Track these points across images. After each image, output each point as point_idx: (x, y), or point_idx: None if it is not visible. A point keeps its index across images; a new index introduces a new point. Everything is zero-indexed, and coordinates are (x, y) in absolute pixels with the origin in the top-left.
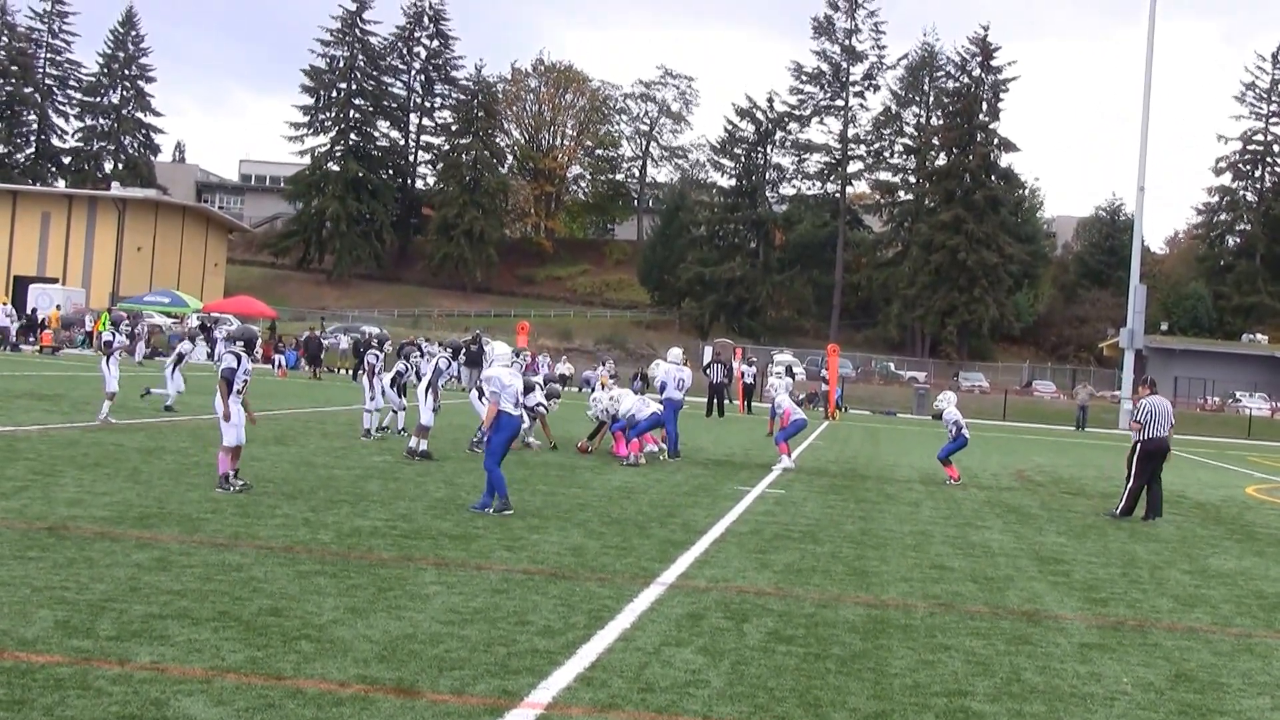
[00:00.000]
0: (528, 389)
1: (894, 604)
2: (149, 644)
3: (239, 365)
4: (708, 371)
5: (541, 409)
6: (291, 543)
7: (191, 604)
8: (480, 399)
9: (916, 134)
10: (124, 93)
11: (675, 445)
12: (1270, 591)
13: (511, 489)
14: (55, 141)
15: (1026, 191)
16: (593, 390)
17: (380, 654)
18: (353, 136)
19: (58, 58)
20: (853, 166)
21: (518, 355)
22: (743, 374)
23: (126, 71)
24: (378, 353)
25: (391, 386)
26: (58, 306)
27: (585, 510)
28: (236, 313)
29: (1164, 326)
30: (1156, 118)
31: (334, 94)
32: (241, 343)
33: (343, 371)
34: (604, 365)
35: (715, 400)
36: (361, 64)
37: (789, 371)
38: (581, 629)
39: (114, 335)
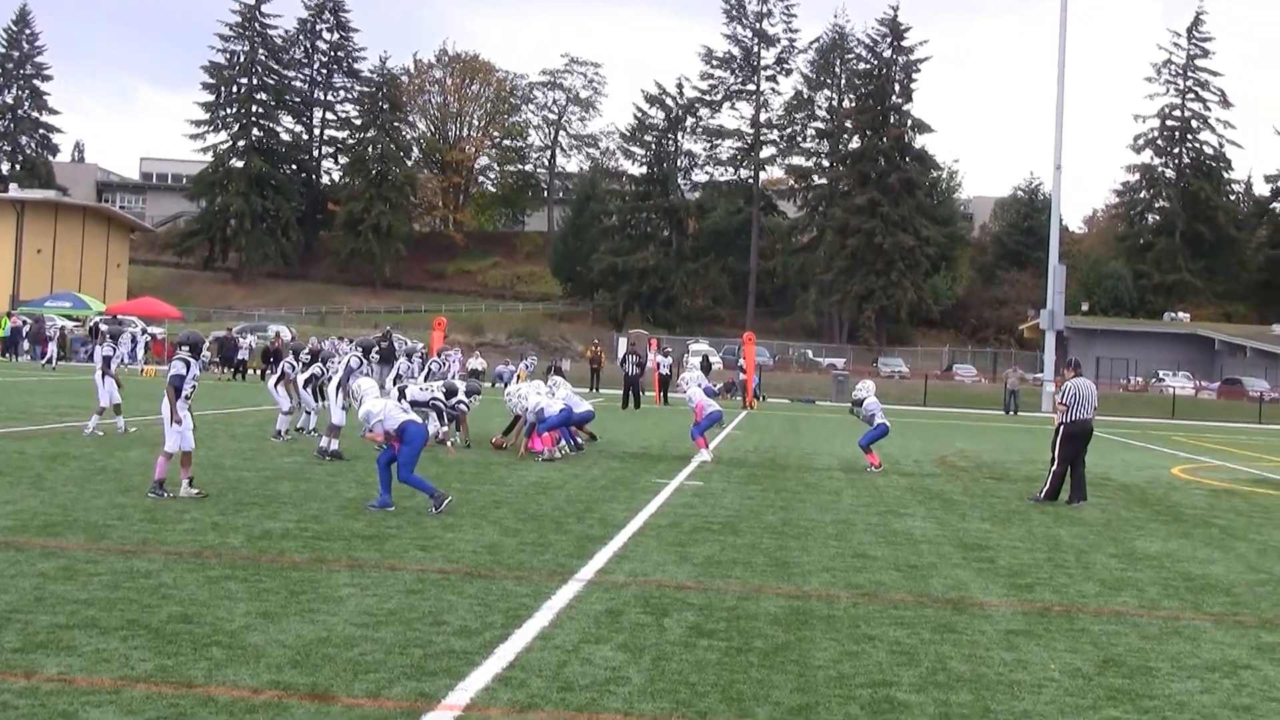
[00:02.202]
0: (450, 392)
1: (816, 595)
2: (56, 655)
3: (188, 371)
4: (623, 364)
5: (462, 408)
6: (200, 547)
7: (99, 613)
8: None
9: (829, 117)
10: (19, 92)
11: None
12: (1197, 573)
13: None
14: None
15: (944, 173)
16: (506, 385)
17: (293, 659)
18: (255, 132)
19: None
20: (765, 152)
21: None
22: (659, 365)
23: (21, 71)
24: (292, 361)
25: (305, 387)
26: None
27: (500, 507)
28: (140, 314)
29: (1085, 307)
30: (1073, 96)
31: (235, 89)
32: (188, 347)
33: (254, 372)
34: (524, 360)
35: (631, 392)
36: (262, 58)
37: (705, 362)
38: (499, 628)
39: (112, 348)
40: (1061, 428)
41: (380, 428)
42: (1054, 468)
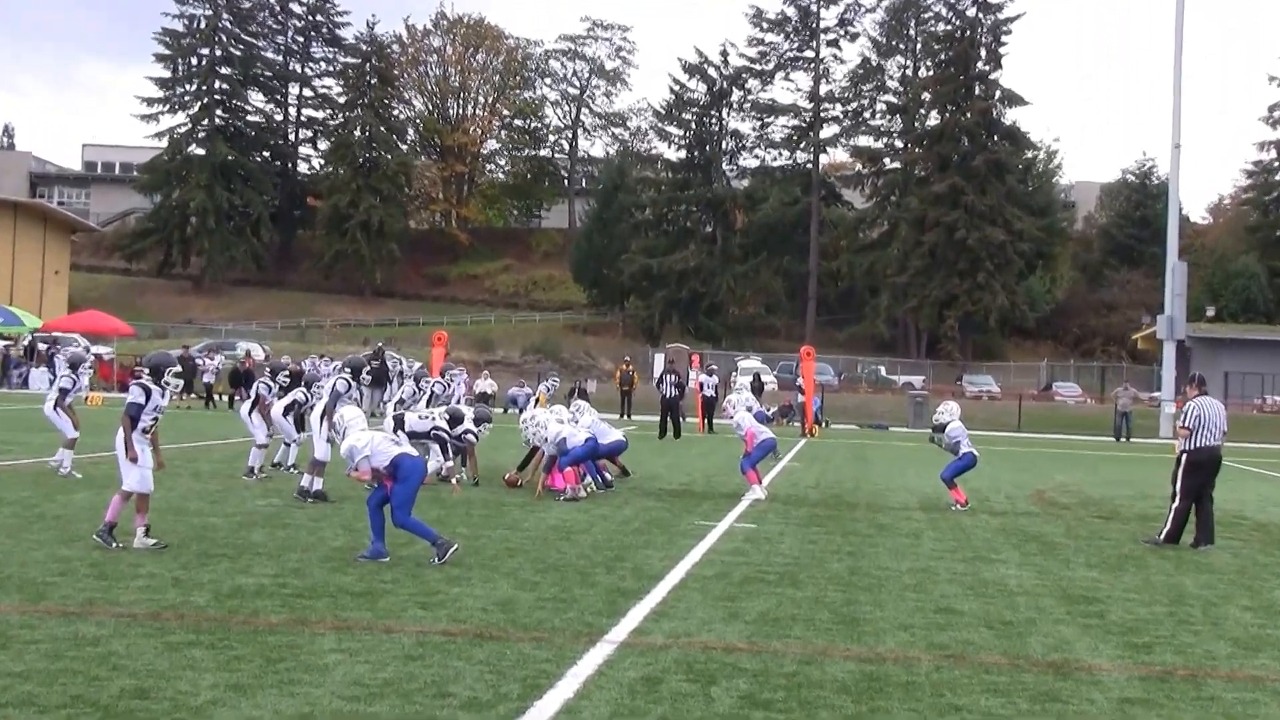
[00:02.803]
0: (455, 420)
1: (892, 657)
2: None
3: (147, 399)
4: (660, 385)
5: (470, 438)
6: (159, 608)
7: (37, 688)
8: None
9: (902, 89)
10: None
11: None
12: None
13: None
14: None
15: (1039, 154)
16: (521, 411)
17: None
18: (219, 113)
19: None
20: (827, 131)
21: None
22: (701, 385)
23: None
24: (268, 383)
25: (285, 415)
26: None
27: (515, 556)
28: (84, 330)
29: (1210, 312)
30: (1192, 59)
31: (194, 62)
32: (149, 372)
33: (222, 398)
34: (542, 382)
35: (669, 418)
36: (227, 24)
37: (757, 382)
38: (515, 700)
39: (71, 380)
40: (1184, 456)
41: (368, 464)
42: (1175, 504)
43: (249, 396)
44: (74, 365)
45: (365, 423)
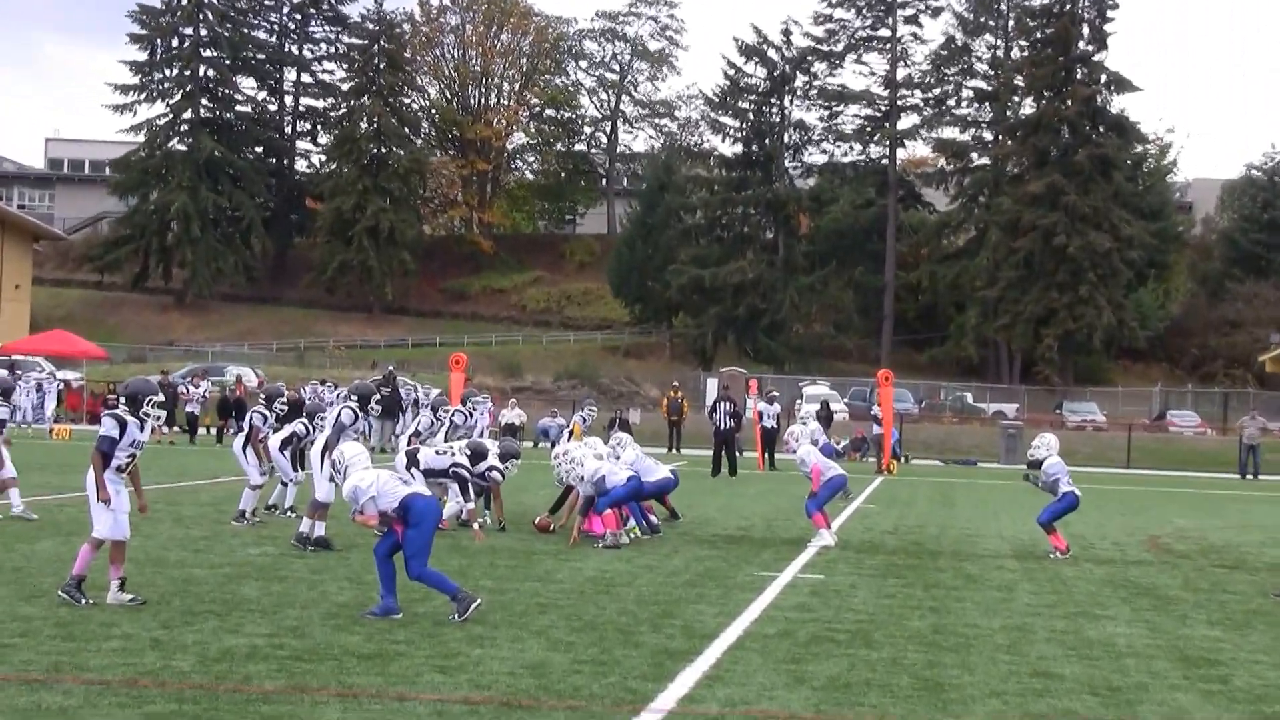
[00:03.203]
0: (478, 455)
1: None
2: None
3: (122, 433)
4: (713, 415)
5: (495, 476)
6: (136, 673)
7: None
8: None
9: (992, 72)
10: None
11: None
12: None
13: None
14: None
15: (1152, 148)
16: (553, 445)
17: None
18: (204, 102)
19: None
20: (905, 121)
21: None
22: (760, 415)
23: None
24: (264, 412)
25: (282, 451)
26: None
27: (548, 612)
28: (49, 353)
29: None
30: None
31: (176, 43)
32: (125, 401)
33: (209, 431)
34: (579, 412)
35: (724, 453)
36: (213, 0)
37: (824, 411)
38: None
39: (8, 410)
40: None
41: (374, 507)
42: None
43: (241, 429)
44: (4, 393)
45: (368, 459)
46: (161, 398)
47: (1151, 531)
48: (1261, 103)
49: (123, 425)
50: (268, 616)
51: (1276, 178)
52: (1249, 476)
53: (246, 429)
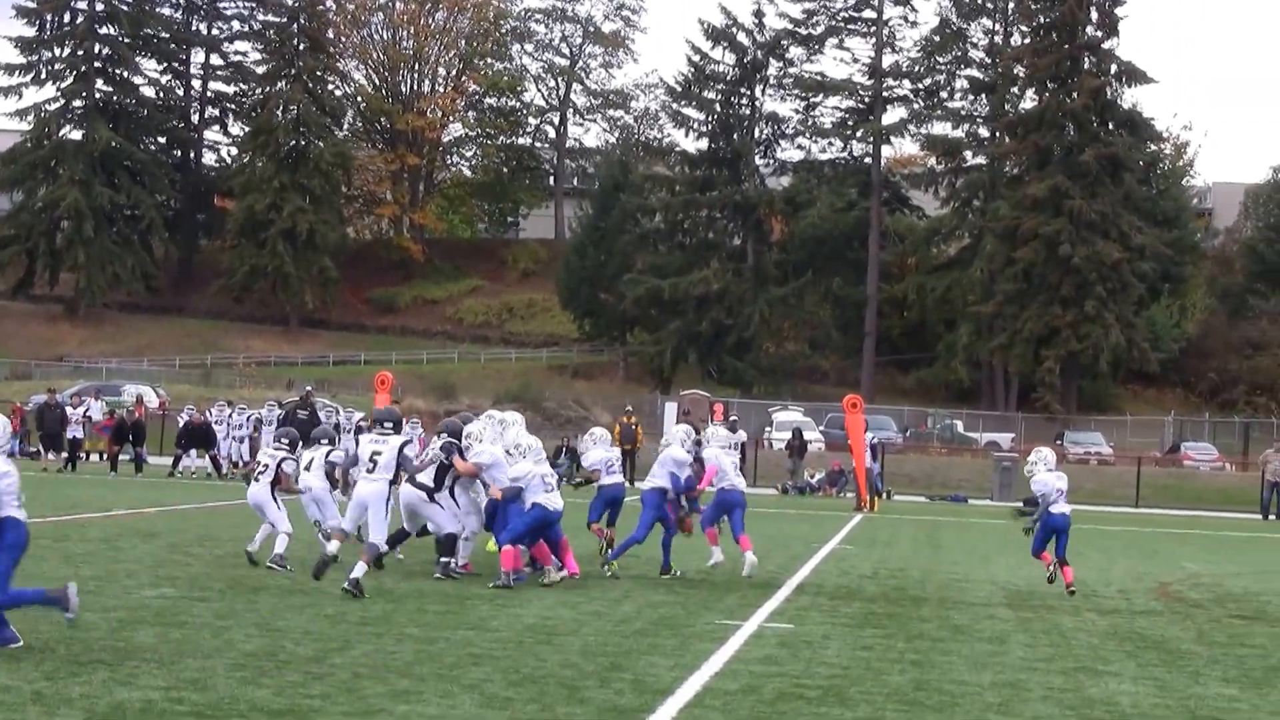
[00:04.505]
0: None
1: None
2: None
3: None
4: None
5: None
6: None
7: None
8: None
9: (990, 61)
10: None
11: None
12: None
13: (367, 633)
14: None
15: (1166, 148)
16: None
17: None
18: (100, 86)
19: None
20: (891, 115)
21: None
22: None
23: None
24: (290, 456)
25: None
26: None
27: (482, 664)
28: None
29: None
30: None
31: (67, 20)
32: None
33: (97, 458)
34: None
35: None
36: None
37: (796, 439)
38: None
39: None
40: None
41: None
42: None
43: (139, 455)
44: None
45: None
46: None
47: (1162, 578)
48: None
49: None
50: (165, 667)
51: None
52: (1272, 517)
53: (272, 473)
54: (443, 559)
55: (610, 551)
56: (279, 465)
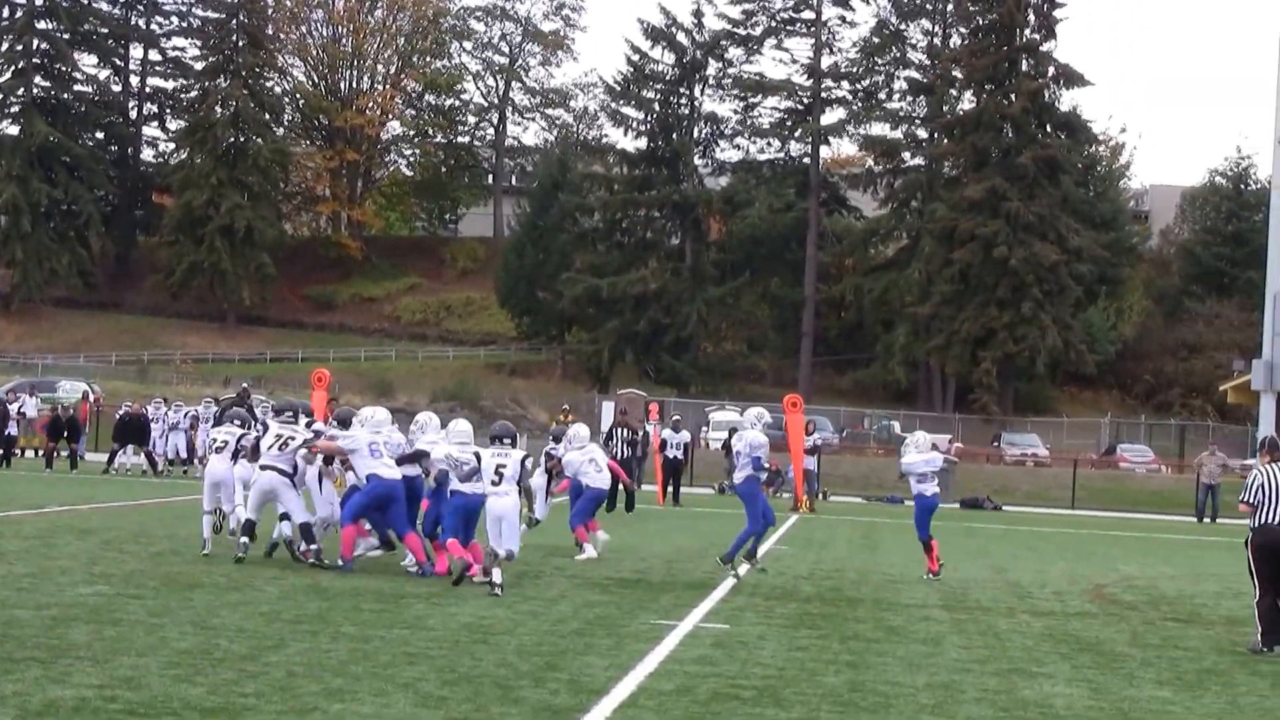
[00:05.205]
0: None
1: None
2: None
3: None
4: (609, 441)
5: None
6: None
7: None
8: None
9: (929, 63)
10: None
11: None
12: None
13: (302, 632)
14: None
15: (1104, 149)
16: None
17: None
18: (38, 80)
19: None
20: (830, 116)
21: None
22: (664, 444)
23: None
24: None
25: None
26: None
27: (417, 663)
28: None
29: None
30: None
31: (6, 14)
32: None
33: (32, 454)
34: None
35: (623, 484)
36: None
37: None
38: None
39: None
40: (1248, 539)
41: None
42: (1254, 599)
43: (75, 452)
44: None
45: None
46: None
47: (1096, 580)
48: (1226, 102)
49: None
50: (99, 665)
51: (1242, 185)
52: (1206, 520)
53: (231, 448)
54: (309, 545)
55: (732, 554)
56: (238, 441)
